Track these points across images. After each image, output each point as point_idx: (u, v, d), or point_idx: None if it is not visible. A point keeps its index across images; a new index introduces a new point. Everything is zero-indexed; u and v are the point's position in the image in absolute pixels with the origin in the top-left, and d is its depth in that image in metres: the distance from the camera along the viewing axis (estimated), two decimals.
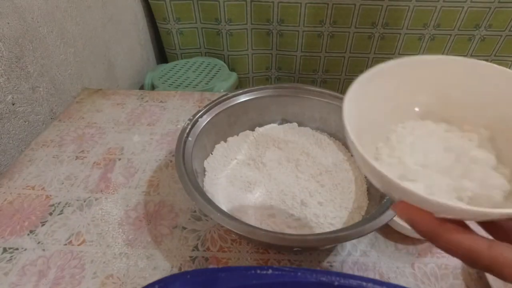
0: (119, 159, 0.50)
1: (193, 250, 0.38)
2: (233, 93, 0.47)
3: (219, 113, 0.46)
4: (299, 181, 0.43)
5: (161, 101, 0.63)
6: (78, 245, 0.38)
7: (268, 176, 0.44)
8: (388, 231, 0.40)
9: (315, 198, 0.41)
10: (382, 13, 1.03)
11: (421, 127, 0.25)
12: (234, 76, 1.03)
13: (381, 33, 1.08)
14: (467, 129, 0.25)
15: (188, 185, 0.34)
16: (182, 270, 0.36)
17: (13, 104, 0.53)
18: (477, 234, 0.18)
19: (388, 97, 0.25)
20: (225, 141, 0.48)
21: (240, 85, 1.13)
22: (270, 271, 0.28)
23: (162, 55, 1.21)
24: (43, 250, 0.38)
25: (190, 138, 0.41)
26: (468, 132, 0.24)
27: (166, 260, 0.37)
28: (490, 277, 0.34)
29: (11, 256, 0.37)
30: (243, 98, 0.47)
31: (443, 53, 1.13)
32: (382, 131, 0.25)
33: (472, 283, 0.35)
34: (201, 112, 0.44)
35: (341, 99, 0.29)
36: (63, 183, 0.46)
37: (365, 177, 0.43)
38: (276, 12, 1.04)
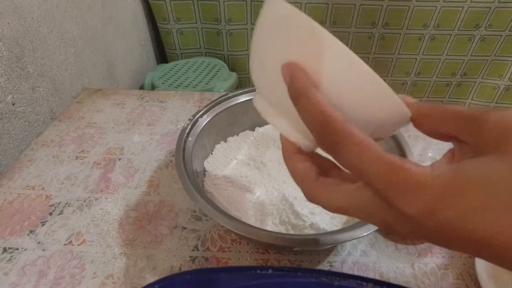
0: (119, 159, 0.50)
1: (193, 250, 0.38)
2: (233, 93, 0.47)
3: (219, 113, 0.46)
4: None
5: (161, 101, 0.63)
6: (78, 245, 0.38)
7: (268, 176, 0.44)
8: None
9: None
10: (382, 13, 1.03)
11: None
12: (234, 76, 1.03)
13: (381, 33, 1.08)
14: None
15: (188, 185, 0.34)
16: (182, 270, 0.36)
17: (13, 104, 0.53)
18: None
19: None
20: (225, 141, 0.48)
21: (240, 85, 1.13)
22: (270, 271, 0.28)
23: (162, 55, 1.21)
24: (43, 250, 0.38)
25: (190, 138, 0.41)
26: None
27: (166, 260, 0.37)
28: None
29: (11, 256, 0.37)
30: (243, 98, 0.47)
31: (443, 53, 1.13)
32: None
33: (472, 283, 0.35)
34: (201, 112, 0.44)
35: None
36: (63, 183, 0.46)
37: None
38: None
